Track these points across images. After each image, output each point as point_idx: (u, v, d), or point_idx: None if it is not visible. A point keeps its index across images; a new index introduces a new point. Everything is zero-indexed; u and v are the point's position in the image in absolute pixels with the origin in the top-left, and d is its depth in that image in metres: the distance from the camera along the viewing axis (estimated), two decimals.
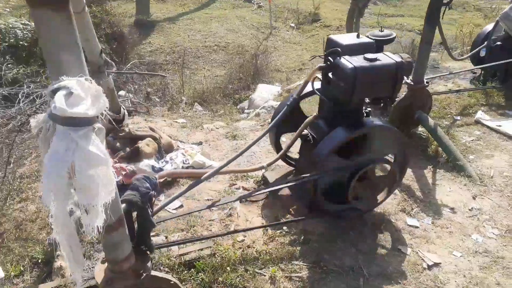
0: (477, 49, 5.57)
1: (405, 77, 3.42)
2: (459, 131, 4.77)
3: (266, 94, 6.49)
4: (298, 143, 3.26)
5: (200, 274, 2.62)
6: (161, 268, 2.62)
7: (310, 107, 4.41)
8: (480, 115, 4.99)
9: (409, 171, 3.99)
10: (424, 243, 3.12)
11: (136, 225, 1.98)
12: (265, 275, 2.72)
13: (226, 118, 5.86)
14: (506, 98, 5.42)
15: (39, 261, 2.91)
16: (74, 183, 1.32)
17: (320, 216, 3.19)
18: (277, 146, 3.58)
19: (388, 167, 3.14)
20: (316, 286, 2.69)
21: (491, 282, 2.79)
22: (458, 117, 5.06)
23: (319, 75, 3.02)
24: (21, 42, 5.43)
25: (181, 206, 3.52)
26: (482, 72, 5.85)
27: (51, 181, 1.31)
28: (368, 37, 3.02)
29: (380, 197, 3.15)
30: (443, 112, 5.15)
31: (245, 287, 2.63)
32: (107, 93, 3.91)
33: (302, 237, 3.08)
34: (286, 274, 2.75)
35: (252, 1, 13.42)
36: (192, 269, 2.67)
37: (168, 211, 3.42)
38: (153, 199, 1.91)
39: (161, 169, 3.75)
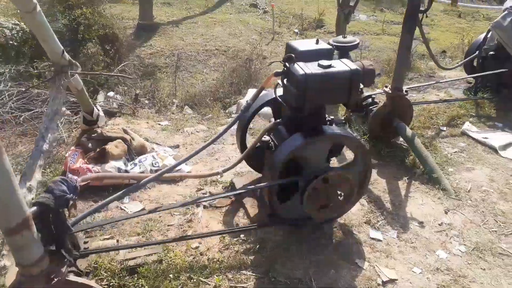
0: (467, 58, 5.41)
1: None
2: (443, 142, 4.63)
3: None
4: None
5: (140, 280, 2.56)
6: (102, 272, 2.57)
7: None
8: (467, 126, 4.83)
9: (382, 182, 3.89)
10: (384, 257, 3.00)
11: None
12: (209, 284, 2.65)
13: (212, 122, 5.82)
14: (497, 109, 5.25)
15: None
16: None
17: (276, 224, 3.11)
18: (243, 148, 3.52)
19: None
20: None
21: None
22: (444, 128, 4.91)
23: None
24: (10, 42, 5.51)
25: (143, 209, 3.48)
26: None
27: None
28: (329, 43, 2.94)
29: (339, 208, 3.04)
30: (429, 122, 5.01)
31: None
32: (75, 94, 3.97)
33: (258, 246, 3.00)
34: (232, 284, 2.67)
35: (258, 6, 13.40)
36: (135, 275, 2.61)
37: (128, 213, 3.40)
38: (70, 202, 1.87)
39: (126, 172, 3.73)
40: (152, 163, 3.93)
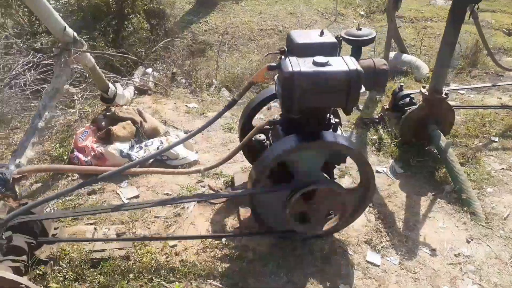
0: None
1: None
2: (490, 155, 3.98)
3: None
4: None
5: (99, 276, 2.47)
6: (61, 262, 2.50)
7: None
8: None
9: (402, 195, 3.44)
10: (375, 286, 2.63)
11: None
12: None
13: (241, 109, 5.59)
14: None
15: None
16: None
17: (260, 234, 2.86)
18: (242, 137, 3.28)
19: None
20: None
21: None
22: (496, 138, 4.23)
23: None
24: None
25: (137, 196, 3.41)
26: None
27: None
28: (337, 37, 2.53)
29: (329, 223, 2.69)
30: (479, 130, 4.34)
31: None
32: (87, 71, 3.94)
33: (237, 254, 2.78)
34: None
35: None
36: (96, 269, 2.53)
37: (122, 200, 3.34)
38: None
39: (128, 155, 3.66)
40: (158, 148, 3.82)
